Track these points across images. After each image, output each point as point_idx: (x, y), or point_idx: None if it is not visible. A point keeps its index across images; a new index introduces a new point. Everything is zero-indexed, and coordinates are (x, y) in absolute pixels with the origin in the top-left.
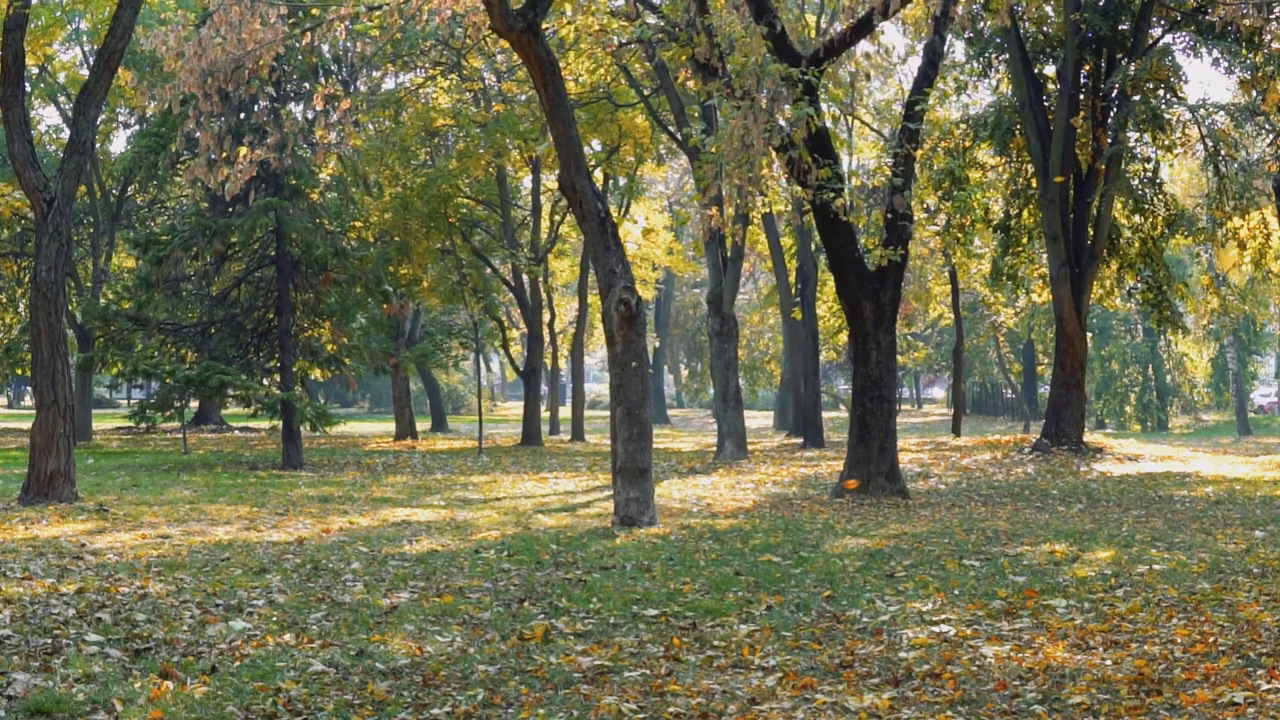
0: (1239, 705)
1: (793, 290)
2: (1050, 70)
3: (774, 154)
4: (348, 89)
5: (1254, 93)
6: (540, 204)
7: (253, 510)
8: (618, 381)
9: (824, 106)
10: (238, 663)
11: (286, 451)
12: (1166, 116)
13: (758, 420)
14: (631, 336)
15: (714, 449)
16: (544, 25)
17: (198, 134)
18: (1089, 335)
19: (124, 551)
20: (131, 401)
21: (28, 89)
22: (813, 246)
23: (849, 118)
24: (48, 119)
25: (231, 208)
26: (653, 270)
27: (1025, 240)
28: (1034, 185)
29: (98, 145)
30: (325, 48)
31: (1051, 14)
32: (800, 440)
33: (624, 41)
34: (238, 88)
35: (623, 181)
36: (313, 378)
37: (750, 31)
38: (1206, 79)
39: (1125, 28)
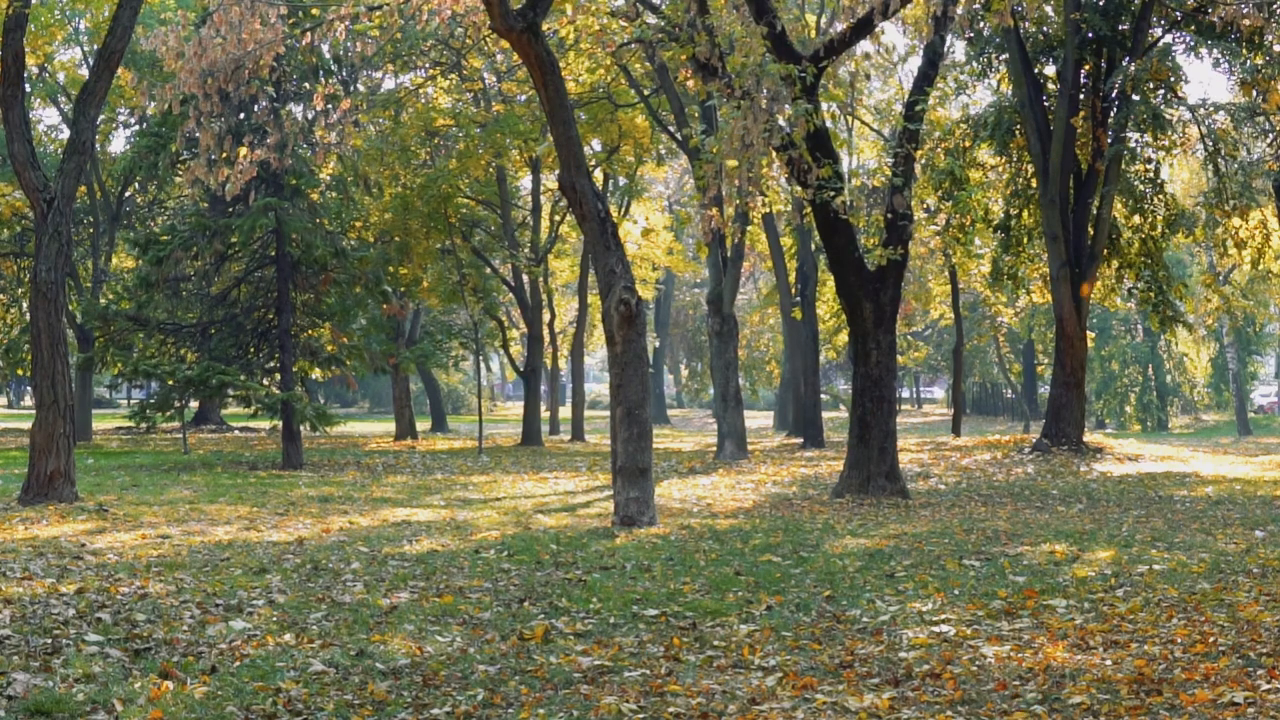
0: (1239, 705)
1: (793, 290)
2: (1050, 70)
3: (774, 154)
4: (348, 89)
5: (1254, 93)
6: (540, 204)
7: (253, 510)
8: (618, 381)
9: (824, 106)
10: (238, 663)
11: (286, 451)
12: (1167, 116)
13: (758, 420)
14: (631, 336)
15: (714, 449)
16: (544, 25)
17: (198, 134)
18: (1089, 335)
19: (124, 551)
20: (131, 401)
21: (28, 89)
22: (813, 246)
23: (849, 117)
24: (48, 119)
25: (231, 208)
26: (653, 270)
27: (1025, 240)
28: (1034, 185)
29: (98, 145)
30: (325, 48)
31: (1051, 14)
32: (800, 440)
33: (624, 41)
34: (238, 88)
35: (623, 181)
36: (313, 378)
37: (750, 31)
38: (1206, 79)
39: (1125, 28)
